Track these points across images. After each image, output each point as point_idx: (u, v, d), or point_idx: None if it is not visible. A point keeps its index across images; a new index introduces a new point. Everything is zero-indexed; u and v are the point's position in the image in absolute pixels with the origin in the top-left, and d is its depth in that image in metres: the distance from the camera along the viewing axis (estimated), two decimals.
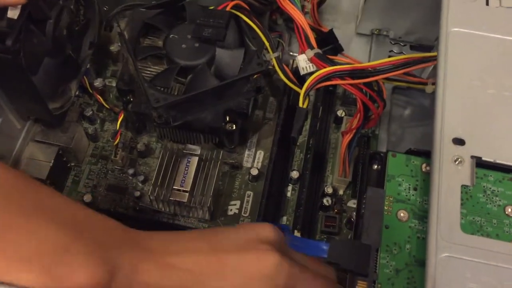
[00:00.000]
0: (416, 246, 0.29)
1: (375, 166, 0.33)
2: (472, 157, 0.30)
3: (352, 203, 0.46)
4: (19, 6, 0.34)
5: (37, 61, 0.38)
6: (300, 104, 0.41)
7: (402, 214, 0.29)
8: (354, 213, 0.44)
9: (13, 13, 0.34)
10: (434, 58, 0.41)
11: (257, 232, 0.31)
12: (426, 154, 0.31)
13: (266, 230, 0.31)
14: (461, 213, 0.28)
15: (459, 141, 0.30)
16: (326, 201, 0.45)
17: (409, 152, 0.32)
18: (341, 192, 0.46)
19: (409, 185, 0.30)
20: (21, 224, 0.26)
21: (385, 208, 0.29)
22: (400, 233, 0.29)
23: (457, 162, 0.30)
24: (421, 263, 0.28)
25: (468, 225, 0.28)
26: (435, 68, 0.48)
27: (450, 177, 0.29)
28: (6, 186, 0.27)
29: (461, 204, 0.29)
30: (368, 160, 0.32)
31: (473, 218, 0.28)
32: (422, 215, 0.29)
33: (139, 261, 0.29)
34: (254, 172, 0.46)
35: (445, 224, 0.28)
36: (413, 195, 0.30)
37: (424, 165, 0.31)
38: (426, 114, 0.53)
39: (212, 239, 0.32)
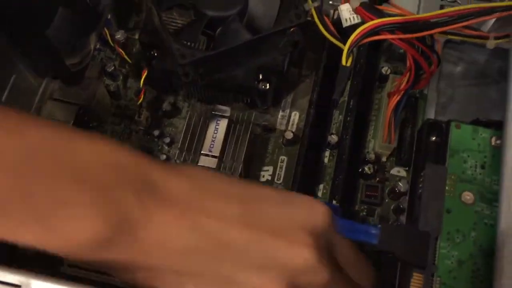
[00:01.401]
0: (483, 234, 0.25)
1: (434, 138, 0.28)
2: None
3: (396, 171, 0.42)
4: None
5: (50, 12, 0.34)
6: (344, 62, 0.37)
7: (467, 197, 0.25)
8: (399, 183, 0.40)
9: None
10: (502, 8, 0.35)
11: (306, 215, 0.27)
12: (496, 125, 0.26)
13: (318, 215, 0.27)
14: None
15: None
16: (368, 168, 0.41)
17: (476, 122, 0.27)
18: (384, 159, 0.43)
19: (476, 162, 0.26)
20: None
21: (447, 188, 0.25)
22: (464, 218, 0.25)
23: None
24: (489, 253, 0.24)
25: None
26: (498, 21, 0.43)
27: None
28: None
29: None
30: (426, 131, 0.28)
31: None
32: (491, 197, 0.25)
33: (154, 211, 0.25)
34: (289, 135, 0.42)
35: None
36: (480, 173, 0.26)
37: (494, 139, 0.26)
38: (481, 72, 0.48)
39: (252, 206, 0.28)
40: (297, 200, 0.30)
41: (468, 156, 0.26)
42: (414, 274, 0.24)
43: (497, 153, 0.26)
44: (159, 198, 0.26)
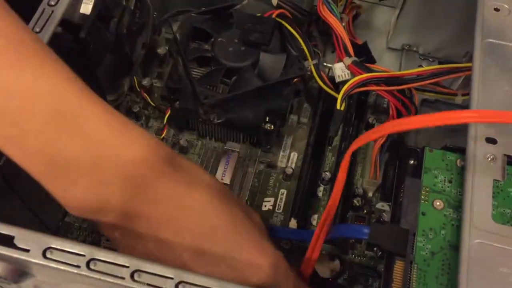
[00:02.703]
0: (450, 232, 0.31)
1: (412, 161, 0.35)
2: (504, 155, 0.32)
3: (381, 206, 0.48)
4: (91, 2, 0.37)
5: (101, 55, 0.41)
6: (338, 107, 0.44)
7: (438, 203, 0.31)
8: (383, 214, 0.46)
9: (85, 9, 0.37)
10: (465, 69, 0.43)
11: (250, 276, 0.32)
12: (461, 151, 0.33)
13: (261, 273, 0.32)
14: (492, 205, 0.31)
15: (491, 140, 0.33)
16: (357, 201, 0.47)
17: (445, 148, 0.34)
18: (370, 194, 0.49)
19: (445, 177, 0.32)
20: None
21: (422, 197, 0.32)
22: (436, 220, 0.31)
23: (489, 159, 0.32)
24: (455, 247, 0.30)
25: (499, 216, 0.31)
26: (464, 80, 0.52)
27: (483, 172, 0.32)
28: None
29: (493, 197, 0.31)
30: (406, 154, 0.35)
31: (504, 210, 0.31)
32: (457, 205, 0.32)
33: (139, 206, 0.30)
34: (289, 171, 0.49)
35: (478, 214, 0.30)
36: (448, 186, 0.32)
37: (459, 161, 0.33)
38: (452, 126, 0.54)
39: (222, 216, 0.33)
40: (246, 248, 0.33)
41: (439, 173, 0.33)
42: (397, 261, 0.30)
43: (461, 171, 0.33)
44: None
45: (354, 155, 0.50)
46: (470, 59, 0.38)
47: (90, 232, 0.46)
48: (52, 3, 0.35)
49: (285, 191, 0.49)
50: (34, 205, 0.40)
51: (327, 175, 0.49)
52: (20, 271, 0.29)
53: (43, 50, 0.30)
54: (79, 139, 0.29)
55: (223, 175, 0.46)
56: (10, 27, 0.29)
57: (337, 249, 0.45)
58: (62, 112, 0.29)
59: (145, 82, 0.51)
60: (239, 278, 0.32)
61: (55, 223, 0.45)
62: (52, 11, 0.35)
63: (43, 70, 0.29)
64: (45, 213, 0.42)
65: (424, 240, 0.30)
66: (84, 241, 0.46)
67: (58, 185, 0.29)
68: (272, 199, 0.49)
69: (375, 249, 0.41)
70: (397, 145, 0.49)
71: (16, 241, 0.27)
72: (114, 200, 0.30)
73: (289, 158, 0.51)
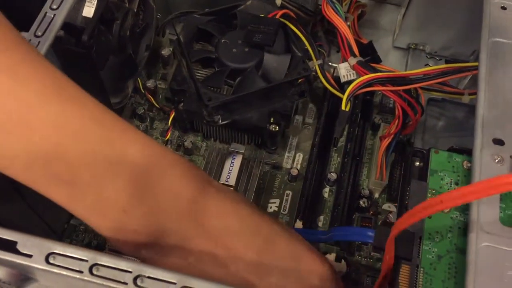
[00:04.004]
0: (457, 235, 0.30)
1: (417, 163, 0.35)
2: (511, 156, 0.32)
3: (387, 207, 0.48)
4: (94, 6, 0.37)
5: (104, 57, 0.41)
6: (343, 107, 0.44)
7: None
8: (390, 215, 0.46)
9: (88, 12, 0.37)
10: (472, 68, 0.43)
11: (311, 273, 0.32)
12: (467, 152, 0.33)
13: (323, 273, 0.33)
14: (500, 207, 0.30)
15: (499, 141, 0.32)
16: (363, 202, 0.47)
17: (451, 149, 0.34)
18: (376, 195, 0.48)
19: (451, 179, 0.32)
20: None
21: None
22: (442, 223, 0.30)
23: (496, 161, 0.32)
24: (462, 251, 0.30)
25: (507, 218, 0.30)
26: (472, 79, 0.51)
27: (490, 173, 0.31)
28: None
29: (500, 199, 0.31)
30: (411, 156, 0.34)
31: None
32: (463, 207, 0.31)
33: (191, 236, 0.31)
34: (294, 172, 0.48)
35: (485, 216, 0.30)
36: (454, 189, 0.32)
37: (465, 162, 0.33)
38: (460, 125, 0.54)
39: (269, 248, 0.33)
40: (305, 258, 0.34)
41: (445, 175, 0.32)
42: (403, 265, 0.29)
43: (468, 173, 0.32)
44: None
45: (360, 155, 0.50)
46: (477, 58, 0.37)
47: (96, 234, 0.46)
48: (54, 6, 0.35)
49: (290, 193, 0.49)
50: (40, 208, 0.40)
51: (332, 176, 0.48)
52: (23, 276, 0.29)
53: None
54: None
55: (228, 176, 0.46)
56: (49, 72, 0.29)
57: (343, 250, 0.44)
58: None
59: (150, 84, 0.51)
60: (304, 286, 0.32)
61: (60, 226, 0.45)
62: (54, 15, 0.35)
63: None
64: (50, 216, 0.42)
65: (430, 243, 0.30)
66: (89, 243, 0.46)
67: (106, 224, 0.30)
68: (277, 201, 0.48)
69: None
70: (403, 146, 0.49)
71: (18, 247, 0.27)
72: (169, 226, 0.30)
73: (294, 159, 0.51)
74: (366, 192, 0.47)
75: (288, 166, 0.50)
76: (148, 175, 0.29)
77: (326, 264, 0.34)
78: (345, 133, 0.51)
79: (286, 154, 0.51)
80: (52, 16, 0.35)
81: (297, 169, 0.49)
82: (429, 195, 0.31)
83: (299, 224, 0.45)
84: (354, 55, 0.46)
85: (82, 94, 0.29)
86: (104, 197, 0.29)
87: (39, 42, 0.34)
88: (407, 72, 0.44)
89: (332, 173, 0.49)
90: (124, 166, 0.29)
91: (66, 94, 0.28)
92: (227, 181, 0.46)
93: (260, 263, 0.32)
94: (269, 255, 0.32)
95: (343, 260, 0.44)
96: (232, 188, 0.36)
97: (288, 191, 0.49)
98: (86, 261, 0.27)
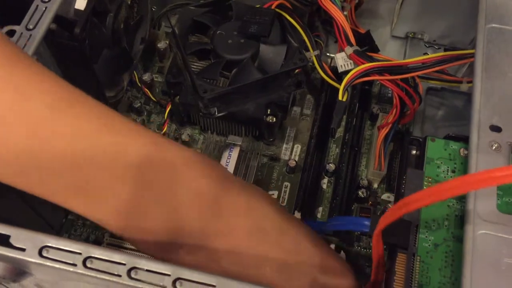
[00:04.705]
0: (454, 223, 0.30)
1: (414, 152, 0.34)
2: (509, 143, 0.31)
3: (386, 197, 0.48)
4: None
5: (98, 51, 0.41)
6: (340, 98, 0.43)
7: None
8: (389, 205, 0.45)
9: (80, 4, 0.37)
10: (470, 55, 0.42)
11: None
12: (464, 140, 0.33)
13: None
14: (497, 194, 0.30)
15: (496, 128, 0.32)
16: (362, 193, 0.47)
17: (448, 137, 0.33)
18: (375, 185, 0.48)
19: (448, 167, 0.32)
20: None
21: (424, 188, 0.31)
22: (439, 211, 0.30)
23: (493, 148, 0.31)
24: (459, 239, 0.29)
25: (504, 205, 0.30)
26: (470, 67, 0.50)
27: (487, 161, 0.31)
28: None
29: (497, 187, 0.30)
30: (407, 145, 0.34)
31: (509, 200, 0.30)
32: (460, 195, 0.31)
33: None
34: (292, 164, 0.48)
35: (482, 204, 0.30)
36: (451, 177, 0.31)
37: (462, 150, 0.32)
38: (459, 114, 0.54)
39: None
40: (332, 266, 0.34)
41: (441, 163, 0.32)
42: (399, 253, 0.29)
43: (465, 161, 0.32)
44: None
45: (358, 146, 0.49)
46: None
47: (94, 229, 0.46)
48: None
49: (288, 184, 0.49)
50: (37, 204, 0.40)
51: (331, 166, 0.48)
52: (18, 270, 0.29)
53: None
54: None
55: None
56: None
57: (343, 241, 0.44)
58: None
59: (146, 77, 0.51)
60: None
61: (58, 221, 0.45)
62: (46, 8, 0.35)
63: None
64: (48, 212, 0.42)
65: (427, 231, 0.30)
66: (87, 238, 0.46)
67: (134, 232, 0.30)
68: (276, 192, 0.48)
69: None
70: (402, 136, 0.48)
71: (12, 240, 0.27)
72: (191, 225, 0.30)
73: (292, 151, 0.51)
74: (365, 182, 0.47)
75: (286, 158, 0.50)
76: (166, 175, 0.29)
77: (350, 276, 0.34)
78: (343, 123, 0.51)
79: (284, 145, 0.51)
80: (44, 8, 0.35)
81: (295, 160, 0.49)
82: (426, 183, 0.31)
83: (297, 216, 0.44)
84: (351, 45, 0.46)
85: (92, 102, 0.29)
86: (123, 200, 0.28)
87: (30, 35, 0.33)
88: (404, 60, 0.44)
89: (330, 164, 0.48)
90: (140, 168, 0.28)
91: (78, 106, 0.28)
92: None
93: (287, 264, 0.31)
94: (297, 256, 0.32)
95: (342, 250, 0.43)
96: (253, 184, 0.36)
97: (286, 183, 0.49)
98: (80, 254, 0.27)
